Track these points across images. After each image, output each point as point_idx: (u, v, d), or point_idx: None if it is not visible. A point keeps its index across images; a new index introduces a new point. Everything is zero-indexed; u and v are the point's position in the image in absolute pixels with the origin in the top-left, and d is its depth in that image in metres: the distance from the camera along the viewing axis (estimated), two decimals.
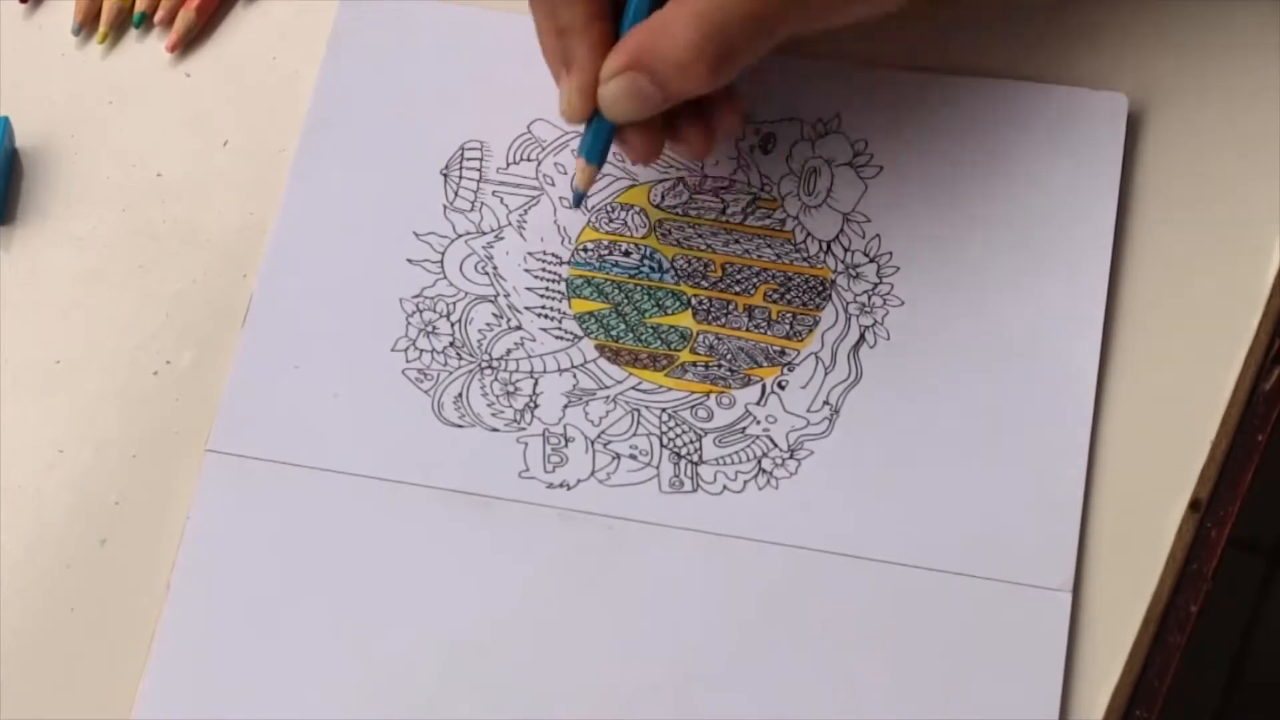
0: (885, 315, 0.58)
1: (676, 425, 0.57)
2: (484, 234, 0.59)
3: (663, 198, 0.59)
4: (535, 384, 0.57)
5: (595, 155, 0.56)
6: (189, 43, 0.63)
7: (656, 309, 0.58)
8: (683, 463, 0.56)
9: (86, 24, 0.64)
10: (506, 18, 0.62)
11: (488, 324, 0.58)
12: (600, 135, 0.56)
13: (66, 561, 0.57)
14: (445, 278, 0.59)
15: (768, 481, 0.56)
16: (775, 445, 0.56)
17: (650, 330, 0.58)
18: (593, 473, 0.56)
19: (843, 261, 0.58)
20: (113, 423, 0.58)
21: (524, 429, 0.57)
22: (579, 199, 0.57)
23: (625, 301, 0.58)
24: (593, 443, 0.57)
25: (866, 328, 0.57)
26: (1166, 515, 0.55)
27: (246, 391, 0.57)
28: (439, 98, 0.61)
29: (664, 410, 0.57)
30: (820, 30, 0.55)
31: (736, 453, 0.56)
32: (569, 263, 0.59)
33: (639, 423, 0.57)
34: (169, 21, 0.64)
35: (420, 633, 0.55)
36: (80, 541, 0.57)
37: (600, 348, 0.58)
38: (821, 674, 0.54)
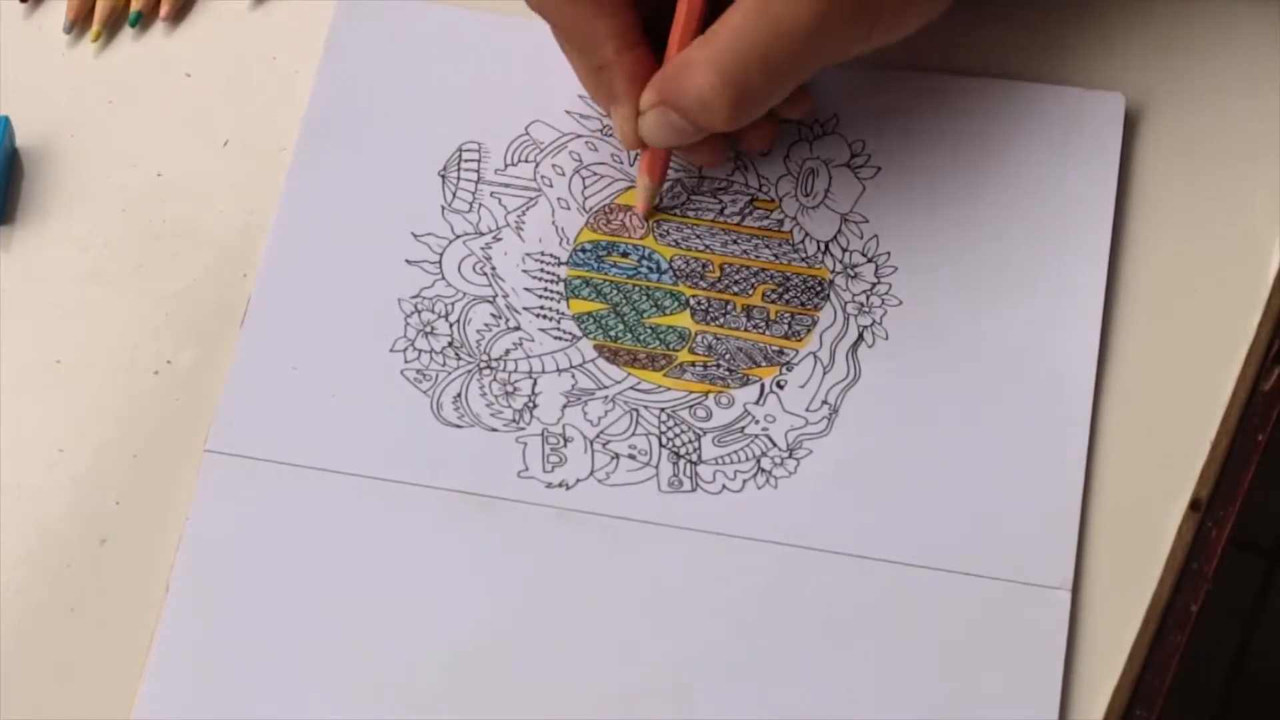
0: (883, 315, 0.58)
1: (675, 425, 0.57)
2: (482, 235, 0.59)
3: (660, 198, 0.59)
4: (534, 384, 0.57)
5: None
6: (190, 41, 0.63)
7: (655, 309, 0.58)
8: (682, 462, 0.56)
9: (79, 21, 0.64)
10: (504, 20, 0.62)
11: (486, 324, 0.58)
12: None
13: (66, 561, 0.57)
14: (444, 278, 0.59)
15: (767, 481, 0.56)
16: (774, 444, 0.56)
17: (649, 330, 0.58)
18: (592, 472, 0.56)
19: (841, 261, 0.58)
20: (113, 423, 0.58)
21: (523, 429, 0.57)
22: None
23: (624, 302, 0.58)
24: (592, 443, 0.57)
25: (865, 327, 0.57)
26: (1166, 515, 0.55)
27: (245, 392, 0.57)
28: (437, 99, 0.61)
29: (663, 410, 0.57)
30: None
31: (735, 452, 0.56)
32: (567, 263, 0.59)
33: (638, 422, 0.57)
34: (172, 17, 0.63)
35: (419, 632, 0.55)
36: (80, 541, 0.57)
37: (599, 348, 0.58)
38: (821, 673, 0.54)
